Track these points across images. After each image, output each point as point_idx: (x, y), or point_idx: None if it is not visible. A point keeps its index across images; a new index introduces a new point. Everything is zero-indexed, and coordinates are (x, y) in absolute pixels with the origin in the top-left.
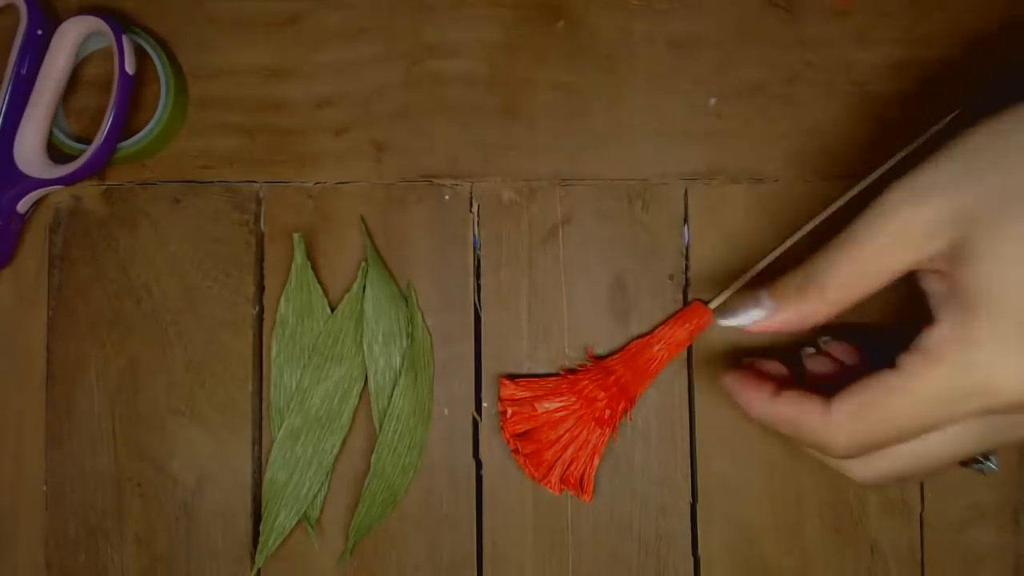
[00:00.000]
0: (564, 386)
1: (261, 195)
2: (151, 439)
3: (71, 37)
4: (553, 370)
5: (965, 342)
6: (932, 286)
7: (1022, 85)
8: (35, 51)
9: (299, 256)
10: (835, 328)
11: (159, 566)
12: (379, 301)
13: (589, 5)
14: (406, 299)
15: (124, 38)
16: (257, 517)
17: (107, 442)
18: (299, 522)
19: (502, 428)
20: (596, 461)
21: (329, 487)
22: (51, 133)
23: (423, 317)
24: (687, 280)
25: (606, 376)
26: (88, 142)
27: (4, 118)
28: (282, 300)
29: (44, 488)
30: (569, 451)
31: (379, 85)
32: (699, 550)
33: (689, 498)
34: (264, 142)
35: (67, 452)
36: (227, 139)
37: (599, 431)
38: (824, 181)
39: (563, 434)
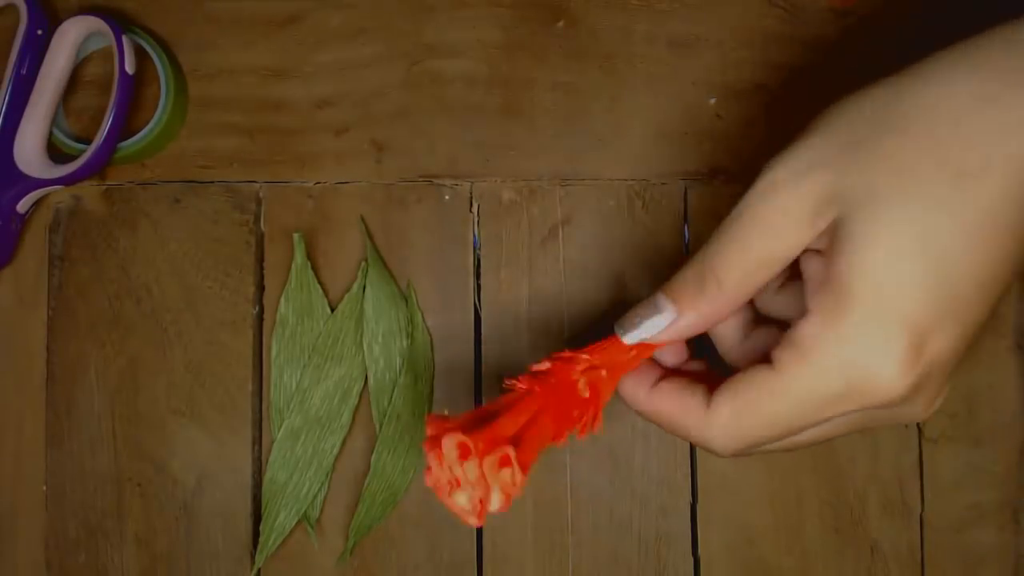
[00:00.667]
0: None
1: (261, 195)
2: (151, 439)
3: (71, 37)
4: None
5: (839, 340)
6: (810, 269)
7: None
8: (35, 51)
9: (299, 256)
10: None
11: (159, 566)
12: (379, 301)
13: (589, 5)
14: (406, 299)
15: (124, 38)
16: (257, 517)
17: (107, 442)
18: (299, 522)
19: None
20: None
21: (329, 487)
22: (51, 133)
23: (423, 317)
24: None
25: (586, 368)
26: (88, 142)
27: (4, 118)
28: (282, 300)
29: (44, 488)
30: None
31: (379, 85)
32: (699, 550)
33: (689, 498)
34: (264, 142)
35: (67, 452)
36: (227, 139)
37: (567, 424)
38: None
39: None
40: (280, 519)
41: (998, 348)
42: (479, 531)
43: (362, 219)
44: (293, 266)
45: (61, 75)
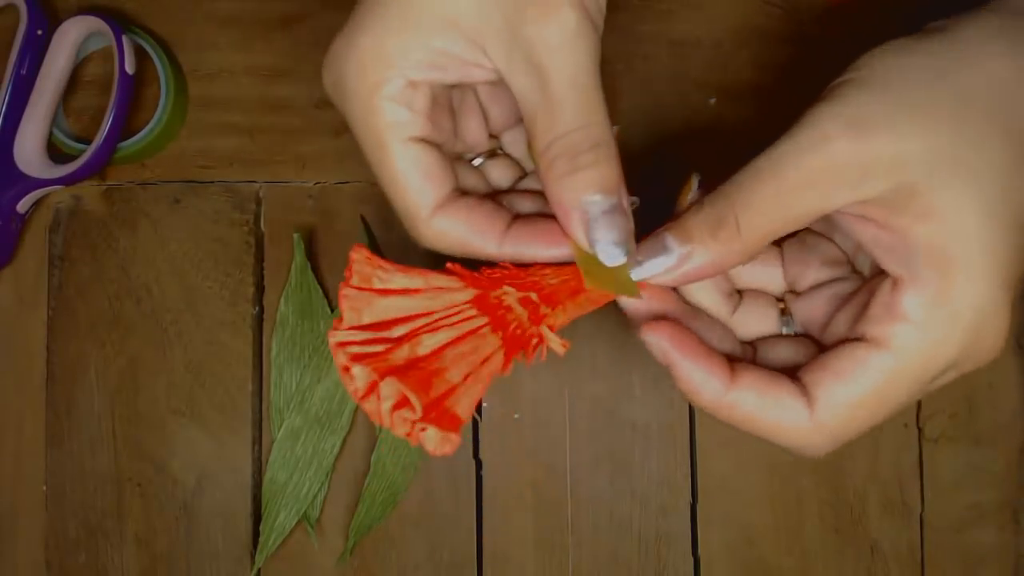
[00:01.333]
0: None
1: (261, 195)
2: (151, 439)
3: (71, 37)
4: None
5: (953, 309)
6: (867, 234)
7: None
8: (35, 51)
9: (299, 256)
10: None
11: (159, 566)
12: None
13: None
14: None
15: (124, 38)
16: (257, 517)
17: (107, 442)
18: (299, 522)
19: (339, 300)
20: (479, 389)
21: (329, 487)
22: (51, 133)
23: None
24: None
25: (529, 282)
26: (88, 142)
27: (4, 118)
28: (282, 300)
29: (44, 488)
30: (449, 368)
31: None
32: (699, 550)
33: (689, 498)
34: (264, 142)
35: (67, 452)
36: (227, 139)
37: (498, 349)
38: None
39: (443, 345)
40: (280, 519)
41: None
42: (479, 531)
43: (362, 219)
44: (293, 266)
45: (61, 75)
